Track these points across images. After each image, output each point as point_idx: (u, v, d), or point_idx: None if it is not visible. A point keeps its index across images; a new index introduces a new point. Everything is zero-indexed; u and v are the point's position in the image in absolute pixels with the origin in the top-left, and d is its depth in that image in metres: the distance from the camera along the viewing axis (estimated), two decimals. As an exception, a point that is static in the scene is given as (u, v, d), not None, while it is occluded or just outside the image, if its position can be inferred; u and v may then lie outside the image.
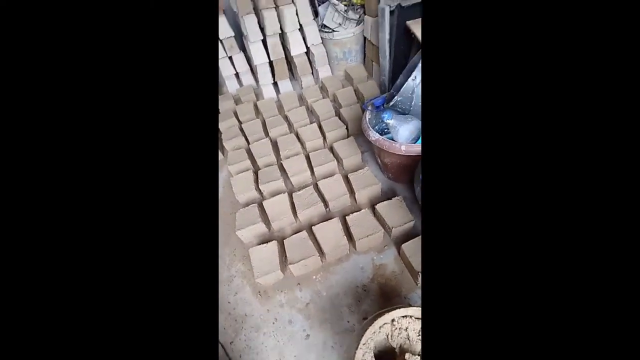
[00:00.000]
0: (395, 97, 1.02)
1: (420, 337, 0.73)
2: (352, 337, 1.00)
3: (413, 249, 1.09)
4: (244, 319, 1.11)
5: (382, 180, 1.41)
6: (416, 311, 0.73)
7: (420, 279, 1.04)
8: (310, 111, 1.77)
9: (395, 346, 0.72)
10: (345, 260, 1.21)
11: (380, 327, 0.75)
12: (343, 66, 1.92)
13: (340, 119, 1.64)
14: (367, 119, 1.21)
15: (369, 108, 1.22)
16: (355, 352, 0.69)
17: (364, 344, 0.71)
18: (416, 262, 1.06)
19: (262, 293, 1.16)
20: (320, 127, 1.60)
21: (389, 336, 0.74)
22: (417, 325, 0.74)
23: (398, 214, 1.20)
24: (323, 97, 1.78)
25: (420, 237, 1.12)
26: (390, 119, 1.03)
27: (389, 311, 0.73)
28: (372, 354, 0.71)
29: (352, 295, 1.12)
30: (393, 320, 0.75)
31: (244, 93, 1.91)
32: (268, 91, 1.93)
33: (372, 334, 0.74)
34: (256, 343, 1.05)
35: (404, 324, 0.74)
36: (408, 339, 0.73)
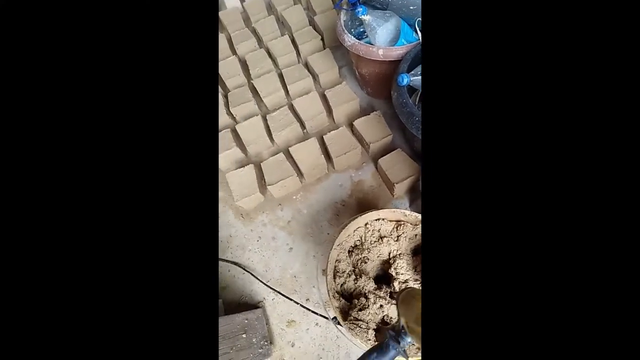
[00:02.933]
0: (371, -13, 0.87)
1: (392, 235, 0.76)
2: (331, 245, 1.06)
3: (390, 162, 1.09)
4: (229, 239, 1.16)
5: (361, 96, 1.32)
6: (387, 213, 0.76)
7: (395, 189, 1.06)
8: (281, 22, 1.55)
9: (367, 247, 0.75)
10: (324, 180, 1.21)
11: (354, 231, 0.78)
12: (316, -37, 1.62)
13: (315, 28, 1.45)
14: (342, 21, 1.06)
15: (344, 7, 1.06)
16: (329, 252, 0.72)
17: (338, 245, 0.75)
18: (392, 175, 1.06)
19: (245, 215, 1.19)
20: (292, 39, 1.43)
21: (362, 238, 0.78)
22: (389, 225, 0.78)
23: (376, 129, 1.16)
24: (294, 4, 1.54)
25: (398, 150, 1.11)
26: (365, 14, 0.89)
27: (362, 215, 0.75)
28: (346, 253, 0.75)
29: (331, 210, 1.15)
30: (366, 223, 0.78)
31: None
32: (231, -1, 1.65)
33: (346, 237, 0.77)
34: (242, 259, 1.11)
35: (377, 226, 0.77)
36: (381, 237, 0.76)
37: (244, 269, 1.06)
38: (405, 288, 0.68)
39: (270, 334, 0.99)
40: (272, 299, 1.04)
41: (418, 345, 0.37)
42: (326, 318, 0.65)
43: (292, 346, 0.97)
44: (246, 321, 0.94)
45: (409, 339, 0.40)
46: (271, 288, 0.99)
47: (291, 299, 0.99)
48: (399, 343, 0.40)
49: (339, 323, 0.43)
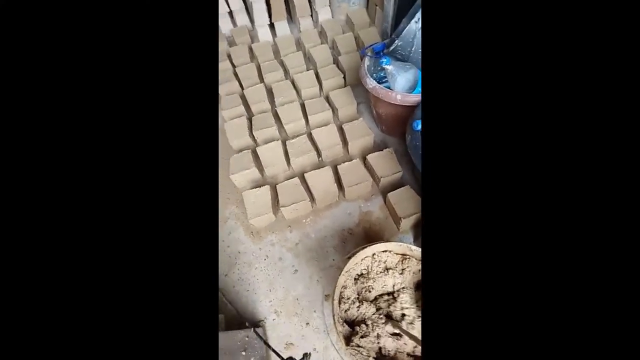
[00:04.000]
0: (396, 42, 0.98)
1: (397, 268, 0.81)
2: (336, 271, 1.09)
3: (398, 197, 1.15)
4: (237, 255, 1.20)
5: (376, 132, 1.41)
6: (395, 246, 0.80)
7: (402, 224, 1.11)
8: (308, 57, 1.69)
9: (373, 277, 0.79)
10: (334, 207, 1.27)
11: (362, 260, 0.83)
12: (345, 10, 1.79)
13: (338, 67, 1.58)
14: (365, 66, 1.17)
15: (368, 54, 1.17)
16: (338, 278, 0.76)
17: (346, 272, 0.79)
18: (400, 209, 1.12)
19: (255, 233, 1.24)
20: (317, 74, 1.55)
21: (369, 267, 0.82)
22: (395, 258, 0.82)
23: (388, 165, 1.23)
24: (322, 43, 1.69)
25: (407, 187, 1.17)
26: (388, 65, 1.00)
27: (370, 245, 0.80)
28: (353, 280, 0.79)
29: (338, 237, 1.20)
30: (374, 254, 0.83)
31: (239, 34, 1.80)
32: (264, 33, 1.82)
33: (354, 265, 0.81)
34: (248, 276, 1.15)
35: (384, 257, 0.82)
36: (386, 269, 0.80)
37: (227, 302, 1.08)
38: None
39: (268, 355, 1.00)
40: (273, 319, 1.06)
41: None
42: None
43: (288, 369, 0.98)
44: (247, 339, 0.95)
45: None
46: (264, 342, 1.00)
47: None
48: None
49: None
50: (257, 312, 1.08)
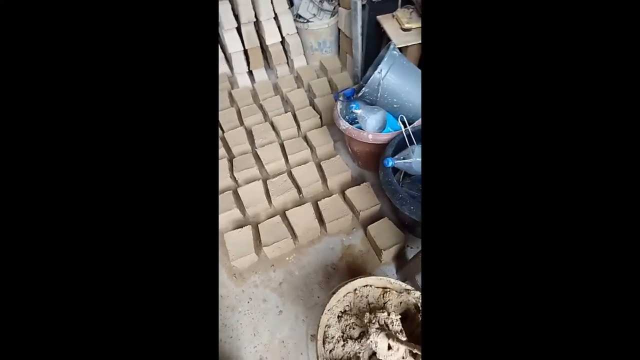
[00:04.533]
0: (363, 89, 1.09)
1: (379, 302, 0.82)
2: (321, 309, 1.08)
3: (377, 229, 1.19)
4: (220, 300, 1.16)
5: (353, 167, 1.49)
6: (375, 280, 0.82)
7: (383, 256, 1.14)
8: (285, 101, 1.80)
9: (355, 313, 0.80)
10: (317, 242, 1.28)
11: (344, 296, 0.84)
12: (318, 57, 1.96)
13: (314, 108, 1.69)
14: (339, 109, 1.27)
15: (340, 98, 1.28)
16: (320, 317, 0.77)
17: (328, 310, 0.79)
18: (380, 241, 1.15)
19: (237, 275, 1.22)
20: (294, 116, 1.65)
21: (352, 303, 0.83)
22: (376, 292, 0.84)
23: (365, 199, 1.29)
24: (298, 87, 1.82)
25: (385, 218, 1.22)
26: (358, 109, 1.10)
27: (351, 281, 0.82)
28: (336, 318, 0.80)
29: (322, 273, 1.20)
30: (355, 289, 0.84)
31: (219, 81, 1.91)
32: (243, 80, 1.93)
33: (336, 302, 0.82)
34: (232, 321, 1.11)
35: (365, 292, 0.83)
36: (368, 304, 0.82)
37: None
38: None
39: (254, 408, 0.94)
40: (259, 367, 1.01)
41: None
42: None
43: (276, 423, 0.92)
44: (230, 391, 0.90)
45: None
46: None
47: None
48: None
49: None
50: (241, 359, 1.03)
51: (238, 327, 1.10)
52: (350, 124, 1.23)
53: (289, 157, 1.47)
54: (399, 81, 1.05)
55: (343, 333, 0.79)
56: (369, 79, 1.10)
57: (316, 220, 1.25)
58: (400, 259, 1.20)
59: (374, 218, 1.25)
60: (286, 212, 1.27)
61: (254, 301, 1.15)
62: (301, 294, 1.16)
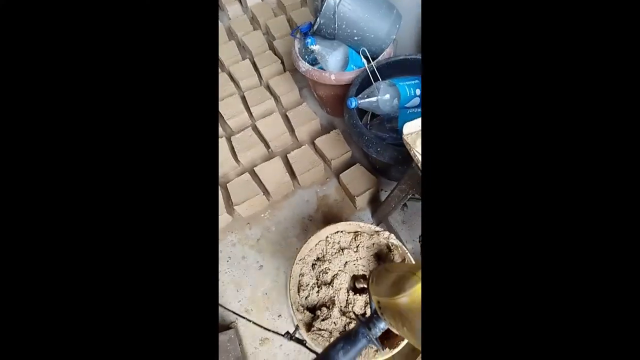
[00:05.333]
0: (319, 20, 0.95)
1: (352, 246, 0.82)
2: (300, 261, 1.10)
3: (350, 177, 1.16)
4: (199, 262, 1.16)
5: (322, 115, 1.40)
6: (345, 226, 0.82)
7: (357, 202, 1.13)
8: (242, 46, 1.61)
9: (328, 259, 0.80)
10: (291, 196, 1.26)
11: (316, 245, 0.83)
12: (274, -10, 1.72)
13: (274, 53, 1.52)
14: (297, 49, 1.14)
15: (298, 36, 1.14)
16: (292, 268, 0.76)
17: (300, 260, 0.79)
18: (353, 188, 1.14)
19: (214, 237, 1.20)
20: (253, 63, 1.49)
21: (324, 251, 0.83)
22: (348, 237, 0.83)
23: (336, 147, 1.23)
24: (254, 29, 1.62)
25: (357, 164, 1.19)
26: (314, 45, 0.98)
27: (322, 230, 0.81)
28: (310, 267, 0.80)
29: (299, 226, 1.20)
30: (327, 237, 0.83)
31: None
32: (191, 25, 1.69)
33: (308, 251, 0.82)
34: (214, 281, 1.12)
35: (337, 239, 0.83)
36: (341, 249, 0.82)
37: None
38: (377, 267, 0.72)
39: (244, 355, 1.00)
40: (245, 320, 1.05)
41: (394, 330, 0.33)
42: (282, 335, 0.66)
43: (266, 364, 0.98)
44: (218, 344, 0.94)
45: (382, 325, 0.34)
46: (238, 315, 1.00)
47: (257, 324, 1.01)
48: (370, 330, 0.34)
49: (291, 337, 0.40)
50: (227, 315, 1.06)
51: (220, 286, 1.11)
52: (312, 65, 1.12)
53: (251, 109, 1.36)
54: (357, 8, 0.92)
55: (317, 280, 0.80)
56: (321, 8, 0.96)
57: (287, 174, 1.20)
58: (374, 203, 1.20)
59: (346, 165, 1.22)
60: (255, 168, 1.21)
61: (233, 259, 1.15)
62: (280, 248, 1.16)
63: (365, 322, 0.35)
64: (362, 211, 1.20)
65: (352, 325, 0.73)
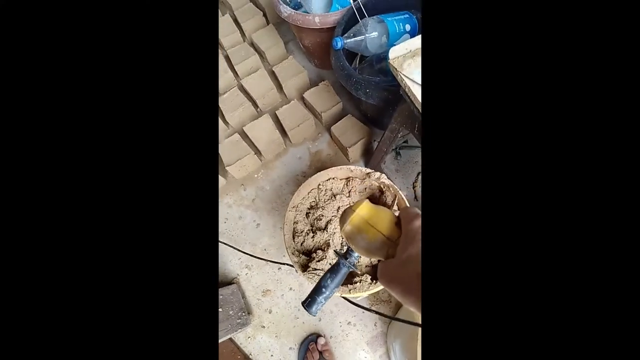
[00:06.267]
0: (296, -46, 0.87)
1: (344, 192, 0.81)
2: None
3: (341, 128, 1.13)
4: (197, 225, 1.16)
5: (310, 69, 1.34)
6: (335, 171, 0.80)
7: (349, 154, 1.11)
8: (221, 2, 1.51)
9: (322, 206, 0.80)
10: (283, 155, 1.24)
11: (308, 193, 0.82)
12: (250, -64, 1.57)
13: (255, 5, 1.42)
14: (276, -7, 1.06)
15: (276, -22, 1.05)
16: (285, 214, 0.76)
17: (293, 207, 0.78)
18: (345, 140, 1.11)
19: (209, 200, 1.19)
20: (234, 18, 1.40)
21: (317, 198, 0.82)
22: (340, 183, 0.82)
23: (326, 99, 1.19)
24: (232, -19, 1.50)
25: (348, 115, 1.15)
26: (293, -18, 0.90)
27: (312, 177, 0.79)
28: (304, 215, 0.80)
29: (293, 183, 1.19)
30: (319, 185, 0.82)
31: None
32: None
33: (301, 199, 0.81)
34: (213, 241, 1.13)
35: (329, 186, 0.82)
36: (334, 195, 0.81)
37: (225, 244, 1.07)
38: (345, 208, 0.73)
39: (248, 306, 1.03)
40: (246, 274, 1.07)
41: (364, 255, 0.39)
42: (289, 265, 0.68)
43: (270, 312, 1.02)
44: (221, 297, 0.97)
45: (355, 254, 0.42)
46: (248, 254, 1.00)
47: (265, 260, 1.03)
48: (346, 259, 0.43)
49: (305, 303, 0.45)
50: (228, 271, 1.08)
51: (219, 246, 1.12)
52: (295, 10, 1.04)
53: (235, 67, 1.29)
54: None
55: (312, 226, 0.80)
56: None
57: (277, 131, 1.17)
58: (367, 156, 1.18)
59: (338, 117, 1.18)
60: (244, 128, 1.17)
61: (230, 220, 1.16)
62: (275, 205, 1.16)
63: (343, 254, 0.44)
64: (355, 163, 1.18)
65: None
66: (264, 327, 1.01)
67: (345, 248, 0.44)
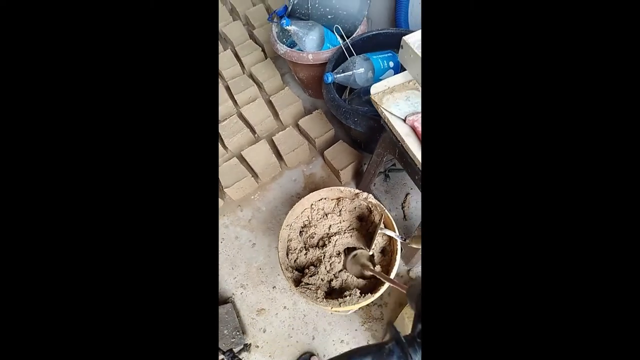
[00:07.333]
0: (292, 1, 0.99)
1: (335, 211, 0.87)
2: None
3: (333, 153, 1.21)
4: (194, 245, 1.20)
5: (304, 98, 1.45)
6: (327, 192, 0.86)
7: (341, 176, 1.18)
8: (223, 38, 1.64)
9: (314, 224, 0.85)
10: (279, 177, 1.30)
11: (302, 212, 0.88)
12: (251, -18, 1.74)
13: (255, 41, 1.56)
14: (274, 33, 1.18)
15: (275, 20, 1.18)
16: (280, 232, 0.81)
17: (287, 226, 0.84)
18: (336, 163, 1.19)
19: (207, 221, 1.24)
20: (235, 53, 1.52)
21: (310, 217, 0.88)
22: (331, 203, 0.88)
23: (319, 126, 1.28)
24: (234, 20, 1.65)
25: (340, 141, 1.24)
26: (289, 26, 1.02)
27: (305, 197, 0.86)
28: (297, 233, 0.85)
29: (288, 204, 1.25)
30: (312, 204, 0.88)
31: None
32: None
33: (294, 218, 0.86)
34: (209, 261, 1.16)
35: (320, 205, 0.88)
36: (325, 214, 0.87)
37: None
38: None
39: (242, 325, 1.04)
40: (241, 293, 1.10)
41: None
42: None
43: (264, 332, 1.03)
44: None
45: (419, 355, 0.30)
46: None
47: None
48: (407, 356, 0.29)
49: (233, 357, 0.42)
50: (224, 291, 1.11)
51: (216, 265, 1.15)
52: (290, 48, 1.16)
53: (235, 97, 1.39)
54: (329, -13, 0.97)
55: (305, 244, 0.85)
56: (299, -9, 1.01)
57: (274, 155, 1.24)
58: (358, 176, 1.25)
59: (330, 143, 1.26)
60: (242, 152, 1.25)
61: (227, 240, 1.20)
62: (271, 226, 1.21)
63: (405, 342, 0.30)
64: (347, 185, 1.25)
65: (336, 283, 0.78)
66: (257, 346, 1.02)
67: (416, 330, 0.31)
